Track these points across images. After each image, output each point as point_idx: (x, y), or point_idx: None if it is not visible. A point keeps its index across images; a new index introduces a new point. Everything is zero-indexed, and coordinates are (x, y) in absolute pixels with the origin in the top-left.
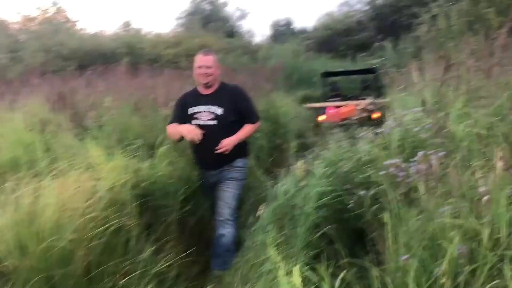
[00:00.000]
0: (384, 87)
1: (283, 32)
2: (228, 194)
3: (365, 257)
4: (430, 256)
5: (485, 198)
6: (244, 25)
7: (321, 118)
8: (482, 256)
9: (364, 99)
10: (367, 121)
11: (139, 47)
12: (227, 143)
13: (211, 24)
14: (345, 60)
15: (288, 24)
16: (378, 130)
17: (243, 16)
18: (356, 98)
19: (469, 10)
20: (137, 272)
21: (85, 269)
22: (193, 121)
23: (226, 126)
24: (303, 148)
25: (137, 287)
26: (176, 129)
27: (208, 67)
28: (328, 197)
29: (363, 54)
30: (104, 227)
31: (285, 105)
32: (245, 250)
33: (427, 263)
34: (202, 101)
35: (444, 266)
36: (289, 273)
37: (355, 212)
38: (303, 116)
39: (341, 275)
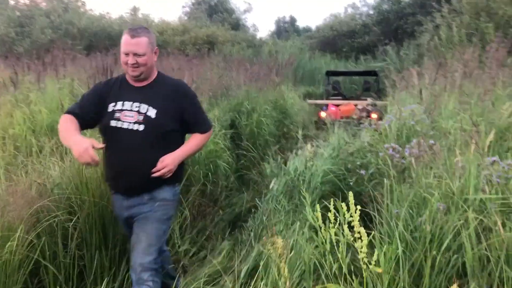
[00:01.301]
0: (384, 90)
1: (286, 29)
2: (148, 236)
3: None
4: (416, 213)
5: (460, 165)
6: (249, 19)
7: (322, 114)
8: (455, 208)
9: (365, 99)
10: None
11: None
12: (169, 162)
13: (216, 15)
14: (347, 61)
15: (292, 21)
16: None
17: (248, 9)
18: (356, 98)
19: (470, 23)
20: None
21: None
22: (112, 122)
23: (157, 135)
24: (306, 138)
25: None
26: (67, 138)
27: (138, 55)
28: (332, 175)
29: (366, 57)
30: None
31: (292, 97)
32: (258, 214)
33: (414, 215)
34: (129, 95)
35: (425, 217)
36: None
37: (355, 189)
38: (306, 111)
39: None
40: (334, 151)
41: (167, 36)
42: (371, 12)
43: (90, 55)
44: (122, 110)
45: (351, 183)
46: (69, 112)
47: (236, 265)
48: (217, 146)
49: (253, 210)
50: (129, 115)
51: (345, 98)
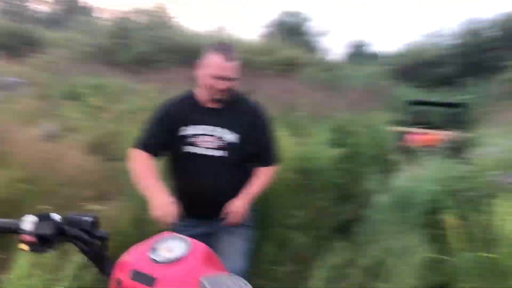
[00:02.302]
0: (468, 123)
1: (358, 53)
2: (235, 250)
3: None
4: None
5: None
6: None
7: (406, 141)
8: None
9: (449, 130)
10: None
11: None
12: (240, 208)
13: (293, 36)
14: (426, 91)
15: (363, 45)
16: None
17: (323, 33)
18: (440, 128)
19: None
20: None
21: None
22: (187, 148)
23: (237, 161)
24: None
25: None
26: (147, 187)
27: (231, 79)
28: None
29: (446, 88)
30: None
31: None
32: (365, 225)
33: None
34: (205, 118)
35: None
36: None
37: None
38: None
39: None
40: (440, 173)
41: (250, 55)
42: (448, 42)
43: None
44: (197, 134)
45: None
46: (141, 146)
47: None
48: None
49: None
50: (207, 140)
51: (428, 127)
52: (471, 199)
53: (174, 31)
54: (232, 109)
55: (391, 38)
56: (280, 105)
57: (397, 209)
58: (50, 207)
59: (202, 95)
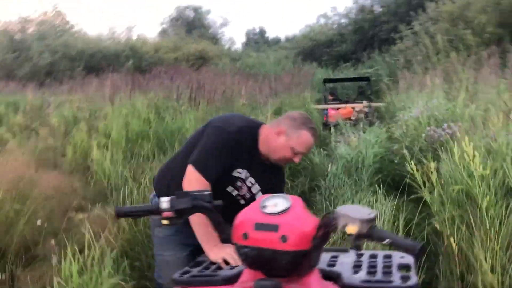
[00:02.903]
0: (376, 93)
1: (256, 41)
2: None
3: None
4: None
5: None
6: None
7: (329, 116)
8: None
9: (360, 102)
10: (364, 120)
11: (141, 51)
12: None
13: (194, 30)
14: (328, 68)
15: (261, 33)
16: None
17: (225, 23)
18: (352, 101)
19: (448, 30)
20: None
21: None
22: (228, 188)
23: None
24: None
25: None
26: (212, 237)
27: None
28: (381, 156)
29: (346, 64)
30: None
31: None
32: (324, 190)
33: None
34: (255, 168)
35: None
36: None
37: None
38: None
39: None
40: (379, 137)
41: (161, 53)
42: (343, 20)
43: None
44: (244, 180)
45: (396, 161)
46: (205, 173)
47: None
48: None
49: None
50: (245, 189)
51: (342, 101)
52: (418, 152)
53: (74, 37)
54: (271, 166)
55: (290, 22)
56: (219, 97)
57: (349, 174)
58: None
59: (266, 152)
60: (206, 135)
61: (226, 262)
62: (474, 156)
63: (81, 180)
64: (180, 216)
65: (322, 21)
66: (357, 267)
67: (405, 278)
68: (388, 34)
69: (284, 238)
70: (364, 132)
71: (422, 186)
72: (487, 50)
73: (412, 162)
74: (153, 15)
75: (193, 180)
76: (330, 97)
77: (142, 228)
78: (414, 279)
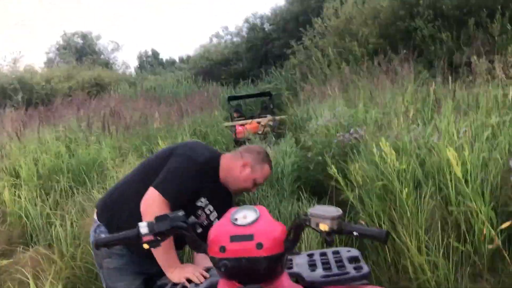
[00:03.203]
0: (278, 106)
1: (150, 63)
2: None
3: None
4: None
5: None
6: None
7: (238, 133)
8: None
9: (265, 117)
10: (272, 133)
11: (31, 82)
12: None
13: (85, 57)
14: (229, 87)
15: (154, 55)
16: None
17: (116, 48)
18: (257, 116)
19: (336, 43)
20: None
21: None
22: (190, 218)
23: None
24: None
25: None
26: (173, 259)
27: None
28: (297, 165)
29: (244, 81)
30: None
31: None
32: (249, 202)
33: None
34: (214, 195)
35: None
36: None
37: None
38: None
39: None
40: (292, 148)
41: (54, 83)
42: (235, 39)
43: None
44: (203, 209)
45: (311, 168)
46: (169, 197)
47: None
48: None
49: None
50: (203, 215)
51: (247, 118)
52: (332, 156)
53: None
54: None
55: (182, 43)
56: (134, 123)
57: (271, 185)
58: None
59: (226, 181)
60: (172, 162)
61: (189, 281)
62: (392, 154)
63: None
64: (160, 238)
65: (215, 40)
66: (312, 266)
67: (358, 268)
68: (281, 50)
69: (259, 245)
70: (274, 144)
71: (345, 187)
72: (375, 60)
73: (333, 166)
74: (37, 44)
75: (154, 203)
76: (235, 115)
77: (80, 264)
78: (365, 268)
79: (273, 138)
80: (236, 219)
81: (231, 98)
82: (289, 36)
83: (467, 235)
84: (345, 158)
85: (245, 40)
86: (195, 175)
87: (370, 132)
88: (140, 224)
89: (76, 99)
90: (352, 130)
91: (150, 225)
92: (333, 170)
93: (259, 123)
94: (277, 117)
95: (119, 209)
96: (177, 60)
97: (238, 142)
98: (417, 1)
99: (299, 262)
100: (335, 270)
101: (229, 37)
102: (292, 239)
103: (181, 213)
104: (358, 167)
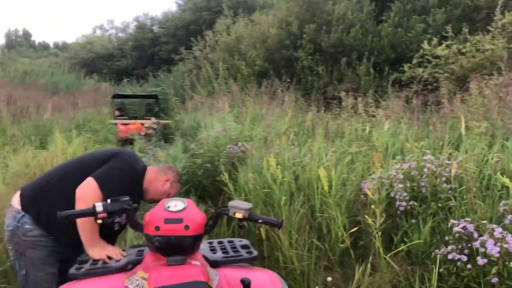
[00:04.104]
0: (164, 110)
1: (20, 43)
2: None
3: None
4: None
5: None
6: None
7: (121, 132)
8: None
9: (149, 119)
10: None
11: None
12: None
13: None
14: (111, 83)
15: (26, 35)
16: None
17: None
18: (141, 118)
19: (225, 59)
20: None
21: None
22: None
23: None
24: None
25: None
26: (97, 239)
27: None
28: (186, 170)
29: (128, 80)
30: None
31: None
32: None
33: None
34: (135, 201)
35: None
36: None
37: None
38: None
39: None
40: (184, 154)
41: None
42: (121, 35)
43: None
44: None
45: (200, 173)
46: (104, 190)
47: None
48: None
49: None
50: (123, 216)
51: (130, 117)
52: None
53: None
54: None
55: (59, 28)
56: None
57: None
58: None
59: (147, 190)
60: (114, 162)
61: (110, 258)
62: (277, 168)
63: None
64: (110, 216)
65: (98, 32)
66: (213, 250)
67: (249, 252)
68: (169, 54)
69: (187, 227)
70: (160, 147)
71: (234, 192)
72: (261, 81)
73: (225, 173)
74: None
75: (90, 191)
76: (117, 113)
77: None
78: (255, 252)
79: (163, 142)
80: (169, 207)
81: (115, 96)
82: (178, 42)
83: (325, 236)
84: (232, 168)
85: (132, 38)
86: (130, 181)
87: (257, 147)
88: (97, 204)
89: None
90: (239, 144)
91: (104, 205)
92: (225, 176)
93: (142, 124)
94: (162, 121)
95: (53, 202)
96: (52, 46)
97: (121, 141)
98: (301, 35)
99: (202, 247)
100: (231, 253)
101: (114, 31)
102: (212, 224)
103: (127, 198)
104: (249, 176)
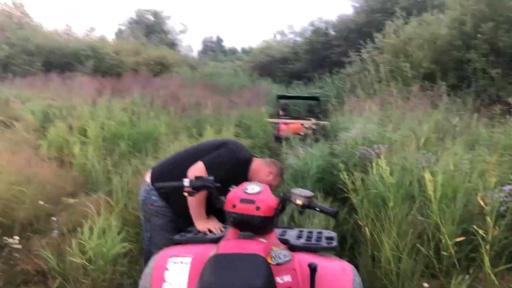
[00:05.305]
0: (324, 112)
1: (213, 49)
2: None
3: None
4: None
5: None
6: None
7: (282, 130)
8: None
9: (309, 119)
10: (312, 136)
11: (102, 52)
12: None
13: (153, 34)
14: (282, 85)
15: (218, 41)
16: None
17: (184, 31)
18: (302, 118)
19: (391, 61)
20: None
21: None
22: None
23: None
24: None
25: None
26: (202, 213)
27: None
28: (322, 168)
29: (299, 82)
30: None
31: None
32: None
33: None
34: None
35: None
36: None
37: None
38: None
39: None
40: (323, 152)
41: (122, 56)
42: (298, 39)
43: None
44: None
45: (334, 173)
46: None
47: None
48: None
49: None
50: None
51: (292, 117)
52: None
53: (33, 31)
54: None
55: (247, 34)
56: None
57: (295, 181)
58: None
59: (252, 179)
60: (222, 150)
61: (210, 231)
62: (386, 169)
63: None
64: (196, 191)
65: (278, 37)
66: (299, 237)
67: (329, 243)
68: (339, 57)
69: (258, 208)
70: (311, 147)
71: (351, 191)
72: (420, 84)
73: (345, 173)
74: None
75: (198, 171)
76: (281, 112)
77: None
78: (335, 243)
79: (313, 141)
80: (246, 189)
81: (280, 97)
82: (349, 45)
83: (430, 242)
84: (362, 169)
85: (306, 42)
86: (232, 167)
87: (387, 150)
88: (185, 179)
89: (141, 75)
90: (376, 146)
91: (191, 181)
92: (343, 175)
93: (302, 124)
94: (321, 122)
95: (173, 179)
96: (239, 50)
97: (279, 139)
98: (475, 34)
99: (291, 234)
100: (313, 241)
101: (292, 36)
102: (280, 209)
103: (211, 178)
104: (361, 177)
